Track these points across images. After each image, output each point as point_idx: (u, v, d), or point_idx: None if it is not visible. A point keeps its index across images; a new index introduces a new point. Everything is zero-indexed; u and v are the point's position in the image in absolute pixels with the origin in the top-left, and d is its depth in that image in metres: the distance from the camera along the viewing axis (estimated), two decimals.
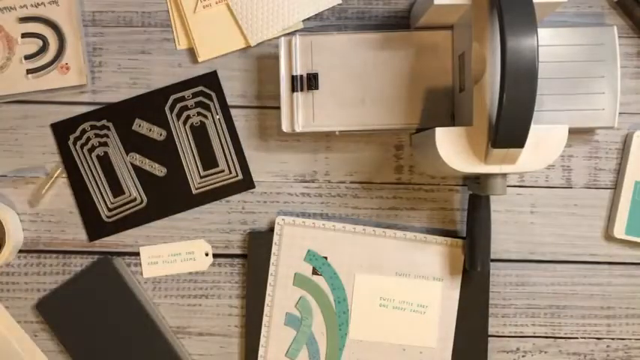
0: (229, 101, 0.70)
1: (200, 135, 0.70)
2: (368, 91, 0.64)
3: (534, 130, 0.53)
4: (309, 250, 0.69)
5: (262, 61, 0.70)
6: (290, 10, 0.69)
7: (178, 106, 0.70)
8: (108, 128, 0.70)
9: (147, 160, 0.70)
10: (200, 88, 0.70)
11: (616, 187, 0.70)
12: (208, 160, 0.70)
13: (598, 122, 0.64)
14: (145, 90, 0.70)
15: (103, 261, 0.70)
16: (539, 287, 0.71)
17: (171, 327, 0.71)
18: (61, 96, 0.70)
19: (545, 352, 0.71)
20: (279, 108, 0.65)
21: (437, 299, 0.69)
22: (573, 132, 0.67)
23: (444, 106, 0.64)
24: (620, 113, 0.66)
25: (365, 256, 0.69)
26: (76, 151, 0.70)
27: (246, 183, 0.70)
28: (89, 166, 0.70)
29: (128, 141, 0.70)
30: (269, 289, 0.69)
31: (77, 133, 0.70)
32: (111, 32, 0.70)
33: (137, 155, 0.70)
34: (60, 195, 0.70)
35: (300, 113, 0.65)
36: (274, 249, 0.69)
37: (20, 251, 0.71)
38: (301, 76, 0.64)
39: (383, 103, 0.64)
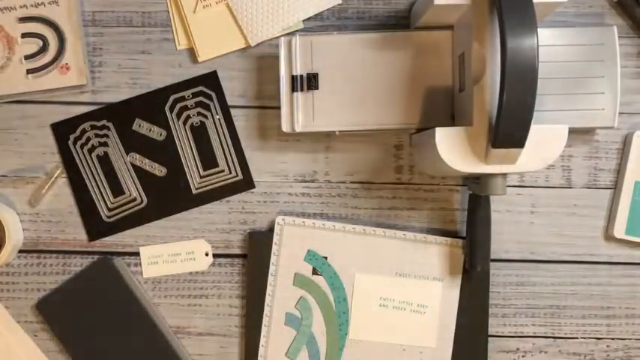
0: (229, 101, 0.70)
1: (200, 135, 0.70)
2: (368, 91, 0.64)
3: (534, 130, 0.53)
4: (309, 250, 0.69)
5: (262, 61, 0.70)
6: (290, 10, 0.69)
7: (178, 106, 0.70)
8: (108, 128, 0.70)
9: (147, 160, 0.70)
10: (200, 88, 0.70)
11: (616, 187, 0.70)
12: (208, 160, 0.70)
13: (598, 122, 0.64)
14: (145, 90, 0.70)
15: (103, 261, 0.70)
16: (539, 287, 0.71)
17: (171, 327, 0.71)
18: (61, 96, 0.70)
19: (545, 352, 0.71)
20: (279, 108, 0.65)
21: (437, 299, 0.69)
22: (573, 132, 0.67)
23: (444, 106, 0.64)
24: (620, 113, 0.66)
25: (365, 256, 0.69)
26: (76, 151, 0.70)
27: (246, 183, 0.70)
28: (89, 166, 0.70)
29: (128, 141, 0.70)
30: (269, 289, 0.69)
31: (77, 133, 0.70)
32: (111, 32, 0.70)
33: (137, 155, 0.70)
34: (60, 195, 0.70)
35: (300, 113, 0.65)
36: (274, 249, 0.69)
37: (20, 251, 0.71)
38: (301, 76, 0.64)
39: (383, 103, 0.64)
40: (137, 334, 0.69)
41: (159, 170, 0.70)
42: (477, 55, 0.56)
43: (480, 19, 0.55)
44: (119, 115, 0.70)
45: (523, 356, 0.71)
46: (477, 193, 0.63)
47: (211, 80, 0.70)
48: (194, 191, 0.70)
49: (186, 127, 0.70)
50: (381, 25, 0.70)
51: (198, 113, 0.70)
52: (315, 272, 0.69)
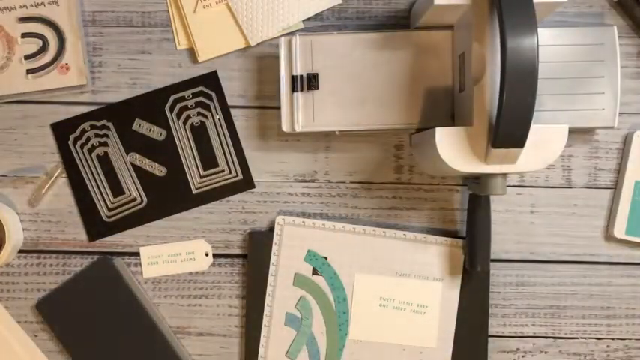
0: (229, 101, 0.70)
1: (200, 135, 0.70)
2: (368, 91, 0.64)
3: (534, 130, 0.53)
4: (309, 250, 0.69)
5: (262, 61, 0.70)
6: (290, 10, 0.69)
7: (178, 106, 0.70)
8: (108, 128, 0.70)
9: (147, 160, 0.70)
10: (200, 88, 0.70)
11: (616, 187, 0.70)
12: (208, 160, 0.70)
13: (598, 122, 0.64)
14: (145, 90, 0.70)
15: (103, 261, 0.70)
16: (539, 287, 0.71)
17: (171, 327, 0.71)
18: (61, 96, 0.70)
19: (545, 352, 0.71)
20: (279, 108, 0.65)
21: (437, 299, 0.69)
22: (573, 132, 0.67)
23: (444, 106, 0.64)
24: (620, 113, 0.66)
25: (365, 256, 0.69)
26: (76, 151, 0.70)
27: (246, 183, 0.70)
28: (89, 166, 0.70)
29: (128, 141, 0.70)
30: (269, 289, 0.69)
31: (77, 133, 0.70)
32: (111, 32, 0.70)
33: (137, 155, 0.70)
34: (60, 195, 0.70)
35: (300, 113, 0.65)
36: (274, 249, 0.69)
37: (20, 251, 0.71)
38: (301, 76, 0.64)
39: (383, 103, 0.64)
40: (137, 334, 0.69)
41: (159, 170, 0.70)
42: (477, 55, 0.56)
43: (479, 19, 0.55)
44: (119, 115, 0.70)
45: (523, 356, 0.71)
46: (477, 193, 0.63)
47: (211, 80, 0.70)
48: (194, 191, 0.70)
49: (186, 127, 0.70)
50: (381, 25, 0.70)
51: (198, 113, 0.70)
52: (315, 272, 0.69)
